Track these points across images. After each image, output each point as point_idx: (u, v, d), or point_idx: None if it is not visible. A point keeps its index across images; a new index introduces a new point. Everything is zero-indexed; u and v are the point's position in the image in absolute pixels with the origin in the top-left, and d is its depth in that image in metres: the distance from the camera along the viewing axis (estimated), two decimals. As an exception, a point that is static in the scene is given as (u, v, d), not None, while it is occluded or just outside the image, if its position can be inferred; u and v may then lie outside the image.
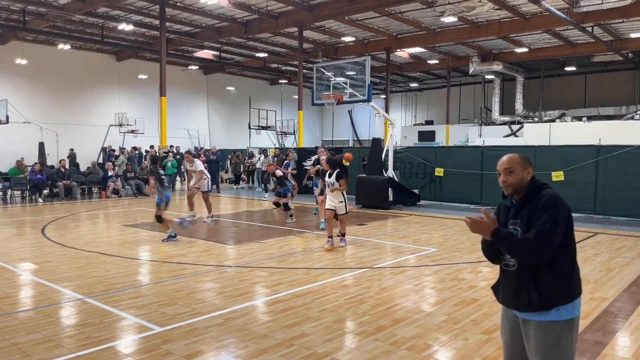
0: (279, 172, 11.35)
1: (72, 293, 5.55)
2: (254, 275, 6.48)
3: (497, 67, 26.25)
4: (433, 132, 31.77)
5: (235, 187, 22.46)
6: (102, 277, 6.29)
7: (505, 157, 2.57)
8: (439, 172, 15.05)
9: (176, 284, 6.05)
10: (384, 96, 30.17)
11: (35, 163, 16.24)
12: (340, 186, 8.38)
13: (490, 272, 6.55)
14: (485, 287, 5.90)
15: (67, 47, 25.68)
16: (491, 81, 30.41)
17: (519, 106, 28.70)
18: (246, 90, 34.50)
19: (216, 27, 23.56)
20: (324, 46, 26.52)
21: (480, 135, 27.56)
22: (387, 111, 25.39)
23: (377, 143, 14.76)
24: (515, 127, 27.39)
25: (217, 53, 28.79)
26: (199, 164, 11.28)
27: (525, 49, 25.04)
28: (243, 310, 5.05)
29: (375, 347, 4.11)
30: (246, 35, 23.59)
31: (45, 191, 15.71)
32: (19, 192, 15.77)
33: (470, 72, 27.84)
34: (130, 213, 13.12)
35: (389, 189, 13.88)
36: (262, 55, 28.41)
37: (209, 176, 11.81)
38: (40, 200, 15.22)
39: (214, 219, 11.52)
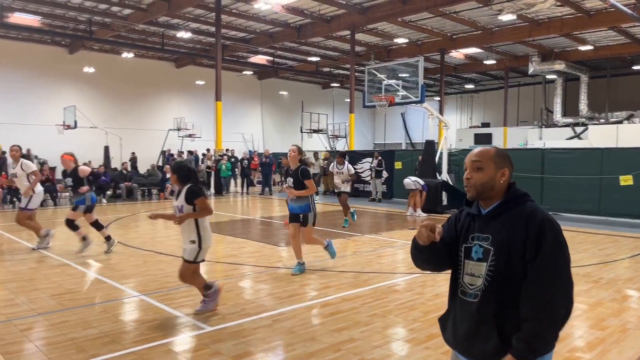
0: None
1: (129, 290, 5.74)
2: (303, 277, 6.45)
3: (559, 66, 25.06)
4: (490, 135, 30.75)
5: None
6: (157, 275, 6.47)
7: (476, 149, 2.03)
8: (496, 175, 14.50)
9: (227, 284, 6.13)
10: (438, 98, 29.54)
11: (100, 165, 17.07)
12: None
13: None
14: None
15: (130, 55, 26.94)
16: (552, 81, 29.09)
17: (583, 107, 27.26)
18: (299, 95, 34.84)
19: (270, 33, 23.94)
20: (377, 48, 26.33)
21: (541, 138, 26.38)
22: (441, 113, 24.83)
23: (431, 145, 14.43)
24: (579, 129, 26.00)
25: (271, 58, 29.26)
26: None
27: (589, 47, 23.79)
28: (291, 312, 5.03)
29: (426, 355, 3.96)
30: (299, 40, 23.82)
31: (109, 192, 16.47)
32: (85, 193, 16.60)
33: (529, 72, 26.75)
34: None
35: (443, 192, 13.53)
36: (314, 59, 28.59)
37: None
38: (104, 200, 15.98)
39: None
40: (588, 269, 7.05)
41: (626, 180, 11.99)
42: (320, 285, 6.09)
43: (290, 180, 6.51)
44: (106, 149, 22.56)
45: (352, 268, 7.01)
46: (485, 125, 33.32)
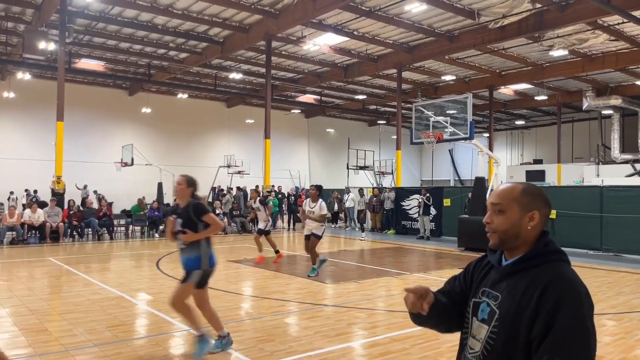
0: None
1: (179, 324, 5.83)
2: (351, 316, 6.36)
3: (616, 101, 24.23)
4: (543, 172, 29.81)
5: (333, 226, 22.65)
6: (206, 310, 6.54)
7: (500, 187, 1.68)
8: (551, 214, 13.94)
9: (274, 320, 6.12)
10: (487, 134, 29.06)
11: (154, 201, 17.72)
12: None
13: (617, 327, 5.81)
14: (610, 342, 5.22)
15: (185, 96, 28.28)
16: (609, 116, 28.08)
17: (643, 143, 26.07)
18: (345, 132, 35.21)
19: (317, 72, 24.56)
20: (423, 86, 26.41)
21: (598, 175, 25.32)
22: (490, 150, 24.36)
23: (481, 182, 14.12)
24: (639, 166, 24.80)
25: (318, 97, 29.91)
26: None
27: (648, 81, 22.92)
28: (339, 351, 4.94)
29: (481, 402, 3.76)
30: (346, 79, 24.28)
31: (161, 227, 17.00)
32: (139, 227, 17.24)
33: (583, 107, 25.97)
34: (234, 249, 13.71)
35: (494, 231, 13.09)
36: (361, 97, 28.98)
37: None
38: (156, 235, 16.50)
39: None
40: (657, 315, 6.57)
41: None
42: (369, 324, 5.97)
43: (179, 222, 4.71)
44: (159, 185, 23.43)
45: (401, 308, 6.84)
46: (538, 162, 32.38)
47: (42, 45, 15.58)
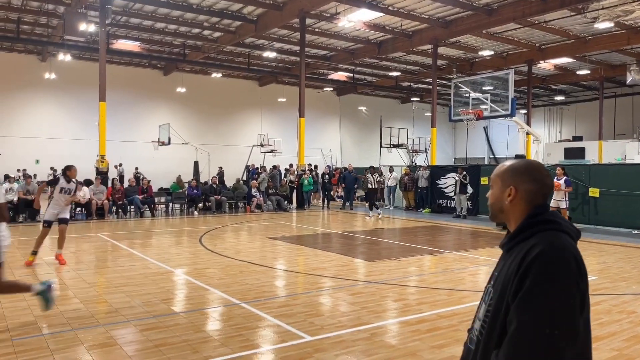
0: None
1: (230, 298, 6.04)
2: (394, 293, 6.44)
3: (663, 74, 23.17)
4: (582, 149, 28.95)
5: (365, 203, 22.68)
6: (253, 284, 6.75)
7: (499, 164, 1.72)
8: (594, 192, 13.62)
9: (320, 295, 6.26)
10: (525, 111, 28.34)
11: (193, 179, 18.11)
12: None
13: (668, 307, 5.72)
14: (662, 323, 5.16)
15: (219, 75, 28.50)
16: (654, 91, 26.90)
17: (691, 118, 24.94)
18: (377, 110, 34.92)
19: (350, 49, 24.32)
20: (459, 62, 25.85)
21: (641, 152, 24.44)
22: (528, 126, 23.76)
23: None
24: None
25: (350, 74, 29.65)
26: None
27: (699, 53, 21.80)
28: (387, 326, 5.05)
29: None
30: (379, 56, 23.96)
31: (200, 205, 17.40)
32: (178, 205, 17.69)
33: (627, 82, 24.95)
34: (271, 226, 13.95)
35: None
36: (394, 74, 28.58)
37: None
38: (195, 213, 16.91)
39: None
40: None
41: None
42: (414, 301, 6.05)
43: None
44: (196, 164, 23.89)
45: (445, 285, 6.89)
46: (577, 138, 31.46)
47: (82, 26, 15.93)
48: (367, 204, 20.64)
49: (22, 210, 14.03)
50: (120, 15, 19.58)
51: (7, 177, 16.62)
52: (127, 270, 7.58)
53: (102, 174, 15.85)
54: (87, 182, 15.20)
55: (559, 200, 11.60)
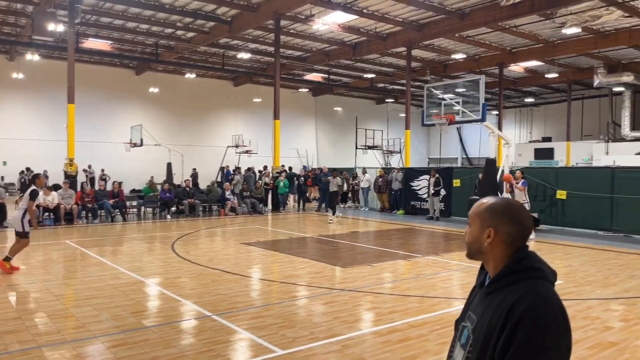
0: None
1: (201, 309, 5.98)
2: (367, 301, 6.49)
3: (628, 78, 23.98)
4: (551, 150, 29.69)
5: (342, 206, 22.76)
6: (226, 295, 6.70)
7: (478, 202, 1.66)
8: (561, 194, 13.98)
9: (293, 305, 6.26)
10: (497, 112, 28.87)
11: (165, 182, 17.85)
12: None
13: (630, 312, 5.90)
14: (623, 328, 5.33)
15: (192, 75, 28.16)
16: (620, 93, 27.78)
17: (654, 120, 25.82)
18: (353, 110, 35.06)
19: (326, 51, 24.34)
20: (432, 64, 26.15)
21: (608, 153, 25.19)
22: (500, 128, 24.22)
23: (491, 164, 14.12)
24: (650, 144, 24.64)
25: (326, 75, 29.69)
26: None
27: (661, 58, 22.57)
28: (359, 337, 5.08)
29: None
30: (354, 57, 24.06)
31: (173, 208, 17.17)
32: (151, 208, 17.42)
33: (594, 84, 25.73)
34: (245, 231, 13.86)
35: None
36: (369, 75, 28.74)
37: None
38: (168, 216, 16.68)
39: None
40: (669, 299, 6.65)
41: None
42: (386, 309, 6.10)
43: None
44: (169, 165, 23.56)
45: (416, 292, 6.97)
46: (547, 139, 32.22)
47: (51, 26, 15.52)
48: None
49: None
50: (90, 15, 19.15)
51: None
52: (96, 281, 7.43)
53: (70, 178, 15.49)
54: (56, 187, 14.84)
55: (524, 202, 11.91)
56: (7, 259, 7.85)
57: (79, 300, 6.36)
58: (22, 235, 8.02)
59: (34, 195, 8.07)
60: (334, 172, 17.59)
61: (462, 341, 1.60)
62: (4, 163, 24.98)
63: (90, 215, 15.39)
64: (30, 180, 8.31)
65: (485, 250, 1.57)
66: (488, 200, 1.62)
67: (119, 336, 4.99)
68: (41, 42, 20.42)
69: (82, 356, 4.47)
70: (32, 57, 22.03)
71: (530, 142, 34.05)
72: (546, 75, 26.96)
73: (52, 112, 24.97)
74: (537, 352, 1.34)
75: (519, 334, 1.36)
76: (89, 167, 24.27)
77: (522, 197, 12.28)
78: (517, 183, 12.48)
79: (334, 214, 16.00)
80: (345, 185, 22.27)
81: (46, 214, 14.61)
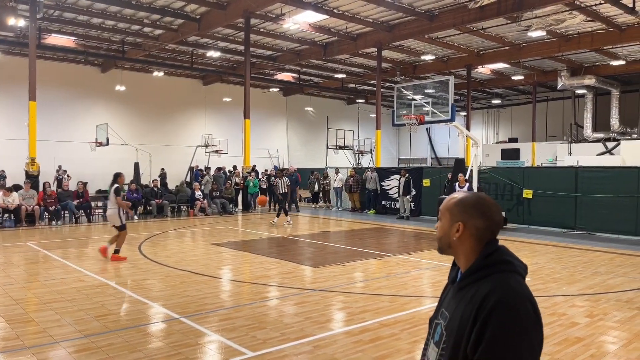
0: None
1: (169, 312, 5.83)
2: (338, 301, 6.45)
3: (590, 80, 24.71)
4: (517, 150, 30.39)
5: (313, 206, 22.74)
6: (194, 296, 6.55)
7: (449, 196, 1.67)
8: (528, 193, 14.30)
9: (263, 306, 6.17)
10: (465, 113, 29.36)
11: (132, 182, 17.42)
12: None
13: (595, 308, 6.05)
14: (589, 324, 5.45)
15: (161, 74, 27.58)
16: (582, 96, 28.62)
17: (614, 122, 26.71)
18: (324, 110, 35.06)
19: (296, 50, 24.25)
20: (402, 65, 26.38)
21: (571, 153, 25.92)
22: (468, 129, 24.63)
23: (460, 164, 14.34)
24: (610, 145, 25.46)
25: (297, 75, 29.58)
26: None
27: (621, 62, 23.37)
28: (331, 338, 5.03)
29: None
30: (325, 57, 24.05)
31: (140, 209, 16.78)
32: (117, 209, 16.96)
33: (558, 87, 26.46)
34: (215, 231, 13.66)
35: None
36: (340, 75, 28.78)
37: None
38: (135, 217, 16.28)
39: None
40: (630, 294, 6.87)
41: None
42: (357, 309, 6.07)
43: None
44: (136, 165, 23.02)
45: (387, 291, 6.97)
46: (513, 140, 32.96)
47: (11, 21, 14.95)
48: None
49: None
50: (53, 10, 18.52)
51: None
52: (58, 284, 7.15)
53: (32, 178, 14.94)
54: (16, 187, 14.30)
55: None
56: (117, 252, 9.03)
57: (40, 305, 6.11)
58: (121, 228, 9.19)
59: (117, 192, 9.11)
60: (280, 171, 16.32)
61: (435, 339, 1.60)
62: (-39, 163, 23.89)
63: (53, 216, 14.87)
64: (113, 179, 9.36)
65: (455, 244, 1.57)
66: (458, 194, 1.63)
67: (82, 341, 4.80)
68: (1, 37, 19.64)
69: (42, 363, 4.27)
70: (-10, 52, 21.15)
71: (497, 142, 34.77)
72: (512, 77, 27.56)
73: (14, 109, 24.05)
74: (508, 344, 1.34)
75: (491, 326, 1.36)
76: (60, 167, 23.44)
77: None
78: (462, 188, 12.31)
79: (286, 214, 15.01)
80: (316, 185, 22.26)
81: (6, 215, 14.05)
